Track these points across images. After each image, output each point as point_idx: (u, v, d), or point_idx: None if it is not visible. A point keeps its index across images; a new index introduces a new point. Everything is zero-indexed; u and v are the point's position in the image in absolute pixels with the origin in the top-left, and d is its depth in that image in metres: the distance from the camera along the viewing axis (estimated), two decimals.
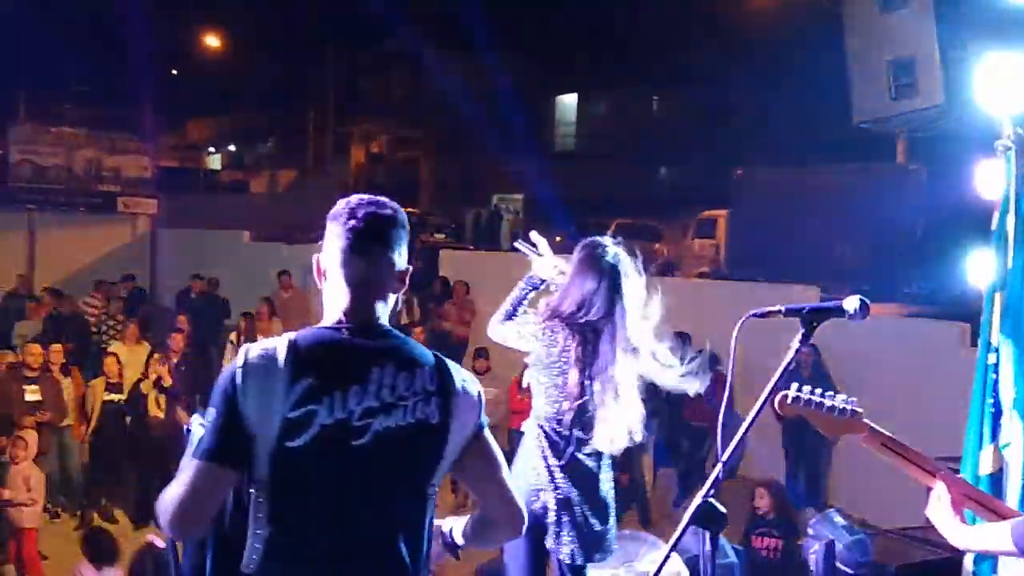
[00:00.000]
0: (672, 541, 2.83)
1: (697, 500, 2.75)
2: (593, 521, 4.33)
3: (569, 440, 4.29)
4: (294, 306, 16.33)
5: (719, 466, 2.78)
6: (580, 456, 4.33)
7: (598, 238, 4.42)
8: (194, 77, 43.76)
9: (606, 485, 4.43)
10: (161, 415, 10.82)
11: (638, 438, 4.33)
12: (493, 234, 33.29)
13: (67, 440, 11.04)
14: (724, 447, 2.82)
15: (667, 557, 2.87)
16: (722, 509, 2.75)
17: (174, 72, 45.02)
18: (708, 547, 2.78)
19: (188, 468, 2.48)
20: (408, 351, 2.62)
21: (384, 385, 2.52)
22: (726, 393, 2.91)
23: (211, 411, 2.49)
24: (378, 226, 2.64)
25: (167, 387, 10.85)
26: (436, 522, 2.79)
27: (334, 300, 2.65)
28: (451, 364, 2.69)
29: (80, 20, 25.90)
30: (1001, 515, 2.97)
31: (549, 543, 4.31)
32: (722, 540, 6.08)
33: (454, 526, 2.98)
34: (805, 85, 24.69)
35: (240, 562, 2.51)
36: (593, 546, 4.35)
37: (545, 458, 4.29)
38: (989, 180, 4.72)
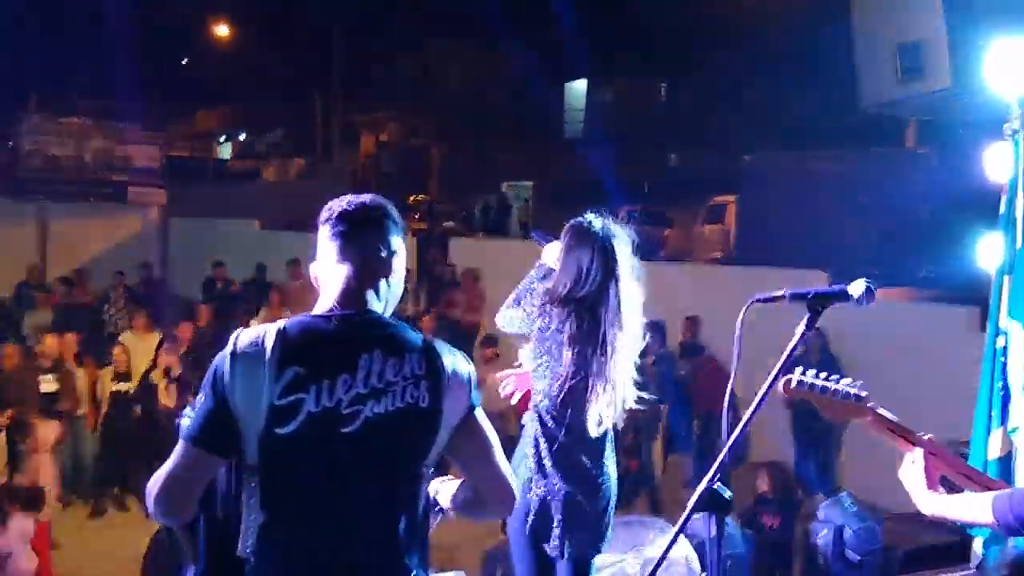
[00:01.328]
0: (678, 526, 2.83)
1: (703, 485, 2.74)
2: (587, 509, 4.21)
3: (562, 424, 4.19)
4: (304, 295, 16.36)
5: (724, 451, 2.77)
6: (574, 441, 4.21)
7: (581, 217, 4.38)
8: (203, 66, 43.78)
9: (607, 470, 4.30)
10: (172, 404, 10.84)
11: (609, 424, 4.25)
12: (502, 221, 33.26)
13: (80, 430, 11.07)
14: (730, 432, 2.81)
15: (673, 542, 2.87)
16: (727, 494, 2.74)
17: (183, 61, 45.08)
18: (714, 532, 2.77)
19: (175, 451, 2.53)
20: (397, 337, 2.64)
21: (373, 372, 2.55)
22: (732, 378, 2.91)
23: (200, 396, 2.54)
24: (357, 216, 2.70)
25: (177, 376, 10.87)
26: None
27: (325, 291, 2.71)
28: (441, 346, 2.71)
29: (89, 10, 25.91)
30: (986, 488, 2.97)
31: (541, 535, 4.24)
32: (732, 529, 6.09)
33: (440, 489, 2.98)
34: (813, 70, 24.60)
35: (236, 546, 2.53)
36: (590, 537, 4.26)
37: (537, 446, 4.21)
38: (998, 163, 4.70)
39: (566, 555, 4.23)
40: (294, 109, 45.21)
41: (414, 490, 2.65)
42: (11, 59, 25.03)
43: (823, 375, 3.03)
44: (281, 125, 51.27)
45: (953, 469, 3.01)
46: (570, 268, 4.23)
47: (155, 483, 2.53)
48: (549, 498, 4.18)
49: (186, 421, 2.66)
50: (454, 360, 2.69)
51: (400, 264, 2.76)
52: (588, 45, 35.76)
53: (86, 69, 28.08)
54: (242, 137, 56.14)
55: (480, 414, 2.75)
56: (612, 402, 4.19)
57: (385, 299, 2.72)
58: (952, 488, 3.05)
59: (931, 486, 2.93)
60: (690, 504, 2.75)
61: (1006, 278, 4.62)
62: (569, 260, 4.25)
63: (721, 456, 2.76)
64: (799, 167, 20.96)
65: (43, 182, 22.43)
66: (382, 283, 2.70)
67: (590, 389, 4.14)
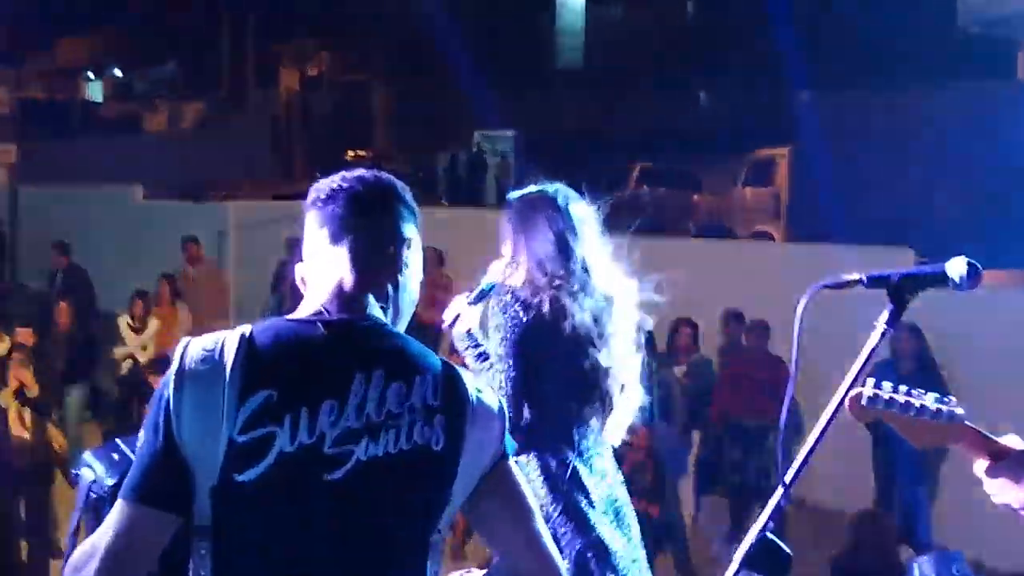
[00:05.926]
0: None
1: (751, 536, 2.74)
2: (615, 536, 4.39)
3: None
4: (204, 285, 16.22)
5: (780, 489, 2.77)
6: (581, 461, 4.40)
7: (526, 188, 4.45)
8: None
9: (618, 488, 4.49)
10: (27, 436, 10.74)
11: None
12: (475, 184, 33.29)
13: None
14: (786, 463, 2.81)
15: None
16: (785, 548, 2.74)
17: None
18: None
19: (112, 513, 2.42)
20: (406, 353, 2.58)
21: (369, 399, 2.47)
22: (788, 391, 2.90)
23: (140, 434, 2.45)
24: (356, 196, 2.65)
25: (33, 398, 10.75)
26: None
27: (310, 293, 2.65)
28: (463, 372, 2.65)
29: None
30: None
31: None
32: None
33: None
34: None
35: None
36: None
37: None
38: None
39: None
40: (191, 36, 45.17)
41: (418, 563, 2.55)
42: None
43: (903, 388, 3.01)
44: (173, 57, 51.20)
45: None
46: (524, 257, 4.36)
47: (83, 562, 2.40)
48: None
49: (86, 472, 2.61)
50: (479, 389, 2.64)
51: (415, 260, 2.72)
52: None
53: None
54: (118, 73, 56.05)
55: (512, 465, 2.68)
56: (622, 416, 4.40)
57: (393, 305, 2.67)
58: None
59: None
60: (735, 561, 2.75)
61: None
62: (521, 247, 4.37)
63: (777, 496, 2.76)
64: (873, 109, 21.05)
65: None
66: (388, 284, 2.66)
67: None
